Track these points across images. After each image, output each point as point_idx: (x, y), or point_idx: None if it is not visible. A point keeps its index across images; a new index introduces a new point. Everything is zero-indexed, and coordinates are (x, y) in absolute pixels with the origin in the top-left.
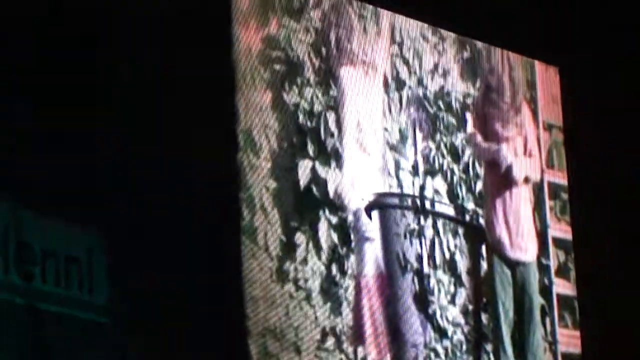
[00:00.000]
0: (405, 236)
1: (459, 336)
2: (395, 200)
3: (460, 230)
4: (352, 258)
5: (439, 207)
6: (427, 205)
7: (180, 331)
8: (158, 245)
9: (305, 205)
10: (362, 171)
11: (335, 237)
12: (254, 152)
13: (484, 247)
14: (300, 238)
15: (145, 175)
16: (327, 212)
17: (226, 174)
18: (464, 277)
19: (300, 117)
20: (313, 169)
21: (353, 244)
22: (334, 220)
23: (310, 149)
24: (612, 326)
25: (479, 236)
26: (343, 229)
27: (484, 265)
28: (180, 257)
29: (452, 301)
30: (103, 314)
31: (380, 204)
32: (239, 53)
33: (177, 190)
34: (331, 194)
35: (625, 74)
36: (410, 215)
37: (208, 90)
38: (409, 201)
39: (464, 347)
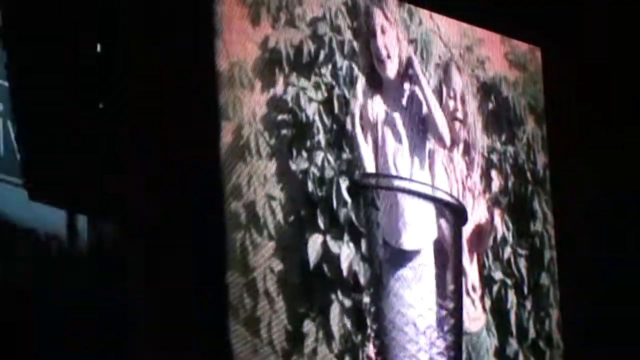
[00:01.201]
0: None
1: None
2: (377, 181)
3: (440, 208)
4: (369, 347)
5: (419, 187)
6: (408, 184)
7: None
8: None
9: (315, 287)
10: None
11: (348, 323)
12: (258, 230)
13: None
14: (309, 326)
15: None
16: (339, 294)
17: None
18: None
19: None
20: (324, 244)
21: (369, 330)
22: (348, 303)
23: (321, 221)
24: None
25: (459, 215)
26: (358, 313)
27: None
28: None
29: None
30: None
31: (362, 184)
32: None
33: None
34: (344, 272)
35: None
36: (391, 194)
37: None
38: (391, 181)
39: (445, 327)
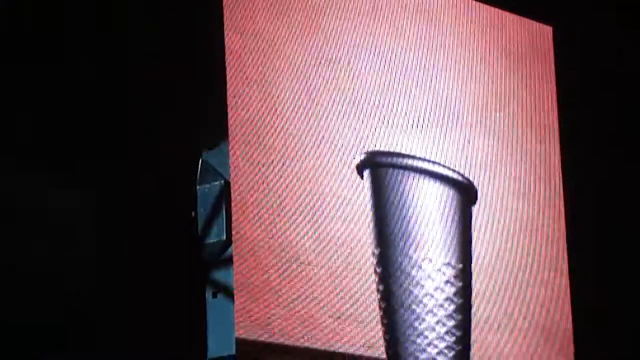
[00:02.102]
0: (396, 193)
1: (447, 292)
2: (387, 159)
3: (449, 187)
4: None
5: (428, 165)
6: (417, 162)
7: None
8: None
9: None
10: None
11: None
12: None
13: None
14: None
15: None
16: None
17: None
18: (454, 232)
19: None
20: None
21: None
22: None
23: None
24: None
25: (469, 194)
26: None
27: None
28: None
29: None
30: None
31: (372, 163)
32: None
33: None
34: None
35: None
36: (400, 173)
37: None
38: (400, 159)
39: (455, 299)
